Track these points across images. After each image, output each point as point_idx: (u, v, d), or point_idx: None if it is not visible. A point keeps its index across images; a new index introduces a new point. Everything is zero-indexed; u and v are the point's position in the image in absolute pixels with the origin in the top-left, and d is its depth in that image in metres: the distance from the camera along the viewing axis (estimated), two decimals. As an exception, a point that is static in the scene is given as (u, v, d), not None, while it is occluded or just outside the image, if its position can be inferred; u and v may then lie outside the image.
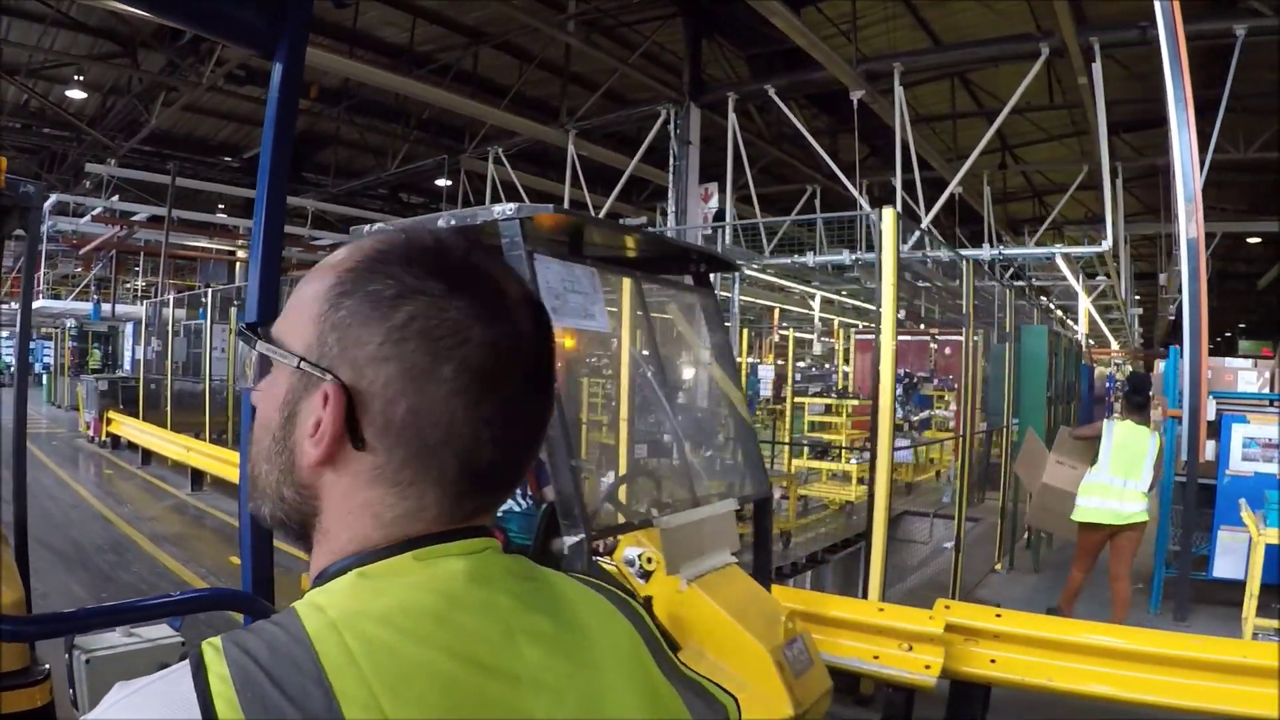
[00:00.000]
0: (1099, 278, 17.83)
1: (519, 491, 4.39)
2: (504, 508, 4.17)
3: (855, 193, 15.92)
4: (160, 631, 2.55)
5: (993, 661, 5.27)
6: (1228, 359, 10.79)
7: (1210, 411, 8.50)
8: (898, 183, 15.09)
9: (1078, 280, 15.71)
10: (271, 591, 2.43)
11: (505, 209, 3.66)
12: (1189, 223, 8.43)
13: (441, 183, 22.02)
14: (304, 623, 0.74)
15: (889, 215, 6.64)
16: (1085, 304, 16.18)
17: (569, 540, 3.49)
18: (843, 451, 12.85)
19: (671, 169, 16.58)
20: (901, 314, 24.62)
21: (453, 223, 3.86)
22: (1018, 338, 10.88)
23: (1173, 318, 25.67)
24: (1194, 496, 8.45)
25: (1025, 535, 10.75)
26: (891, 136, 19.70)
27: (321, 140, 21.85)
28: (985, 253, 14.12)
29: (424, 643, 0.75)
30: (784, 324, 22.17)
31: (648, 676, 0.92)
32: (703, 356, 5.65)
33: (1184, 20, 12.89)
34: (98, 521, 11.70)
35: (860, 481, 12.67)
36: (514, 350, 0.83)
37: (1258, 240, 22.86)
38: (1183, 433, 8.29)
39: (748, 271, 15.57)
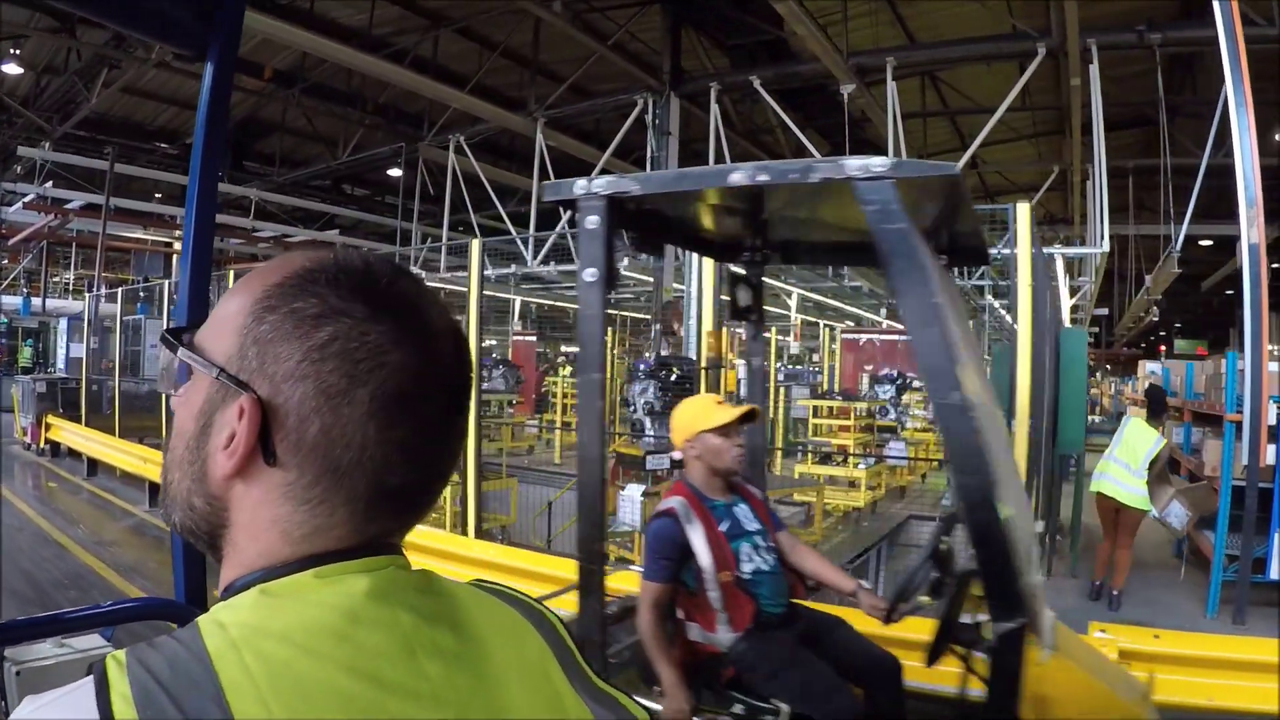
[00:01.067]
0: (1081, 278, 17.43)
1: (763, 545, 3.61)
2: (753, 567, 3.51)
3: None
4: (92, 642, 2.52)
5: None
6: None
7: (1271, 415, 8.29)
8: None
9: (1065, 281, 15.25)
10: (204, 600, 2.35)
11: (873, 163, 2.56)
12: (1250, 228, 8.30)
13: (395, 172, 20.75)
14: (205, 640, 0.73)
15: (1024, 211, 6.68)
16: (1068, 304, 15.73)
17: (1002, 626, 2.56)
18: (849, 457, 12.12)
19: (650, 160, 15.80)
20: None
21: (764, 178, 2.75)
22: (1055, 339, 10.26)
23: (1156, 319, 25.78)
24: (1255, 500, 8.24)
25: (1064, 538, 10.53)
26: (859, 133, 19.50)
27: (265, 127, 20.51)
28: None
29: (323, 660, 0.74)
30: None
31: (554, 689, 0.92)
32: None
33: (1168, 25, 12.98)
34: (49, 548, 10.23)
35: (869, 488, 12.00)
36: (432, 377, 0.84)
37: (1209, 243, 22.88)
38: (1243, 436, 8.24)
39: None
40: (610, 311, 24.04)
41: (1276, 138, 15.76)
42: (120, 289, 18.14)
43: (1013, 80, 17.66)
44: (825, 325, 19.39)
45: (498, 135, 18.95)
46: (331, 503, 0.82)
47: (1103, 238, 13.33)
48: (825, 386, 16.25)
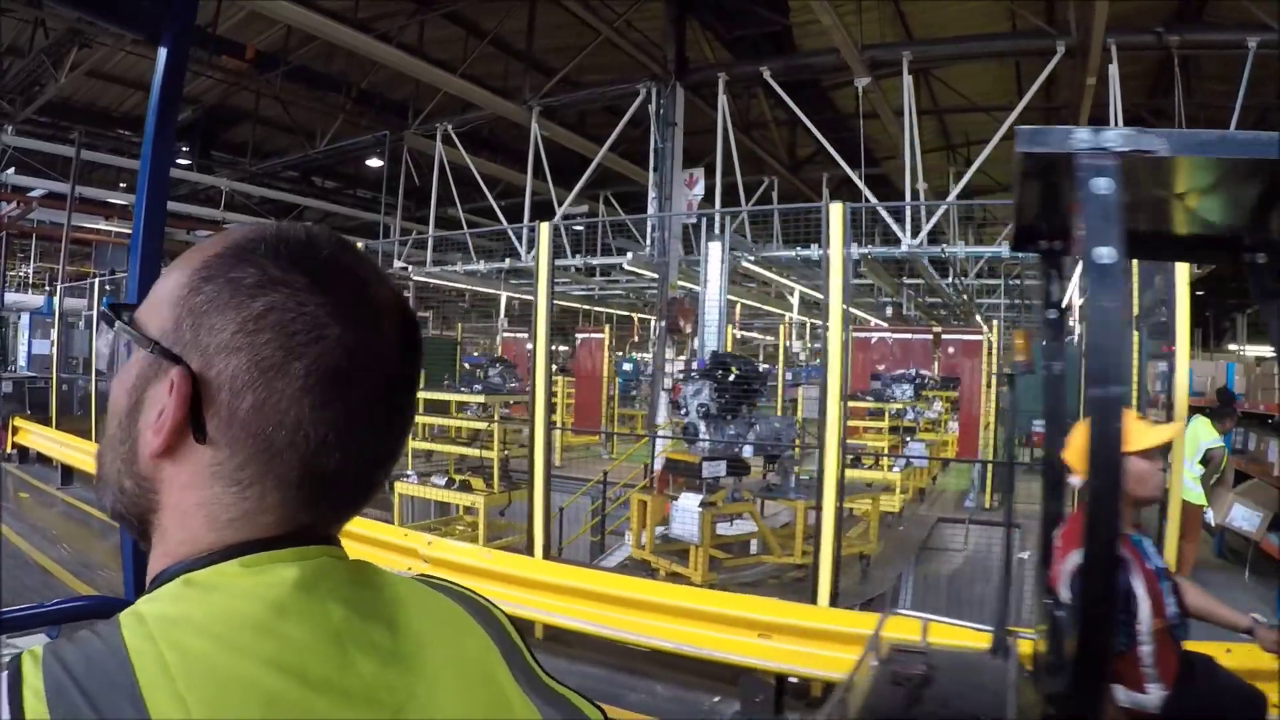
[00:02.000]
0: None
1: (1169, 583, 3.05)
2: (1173, 610, 3.04)
3: (861, 184, 14.72)
4: (37, 641, 1.82)
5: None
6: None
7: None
8: (907, 176, 13.95)
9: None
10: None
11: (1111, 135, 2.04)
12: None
13: (374, 163, 19.77)
14: (124, 634, 0.71)
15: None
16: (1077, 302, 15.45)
17: None
18: (879, 459, 11.60)
19: (653, 152, 15.16)
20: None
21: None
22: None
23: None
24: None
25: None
26: (847, 131, 19.12)
27: (237, 115, 19.35)
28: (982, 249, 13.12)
29: (245, 655, 0.71)
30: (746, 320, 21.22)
31: (498, 688, 0.88)
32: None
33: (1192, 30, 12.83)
34: (32, 573, 9.17)
35: (903, 491, 11.50)
36: (372, 356, 0.81)
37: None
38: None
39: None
40: (599, 308, 23.38)
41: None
42: (96, 279, 17.03)
43: (1005, 79, 17.59)
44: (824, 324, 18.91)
45: (483, 128, 18.13)
46: (262, 486, 0.78)
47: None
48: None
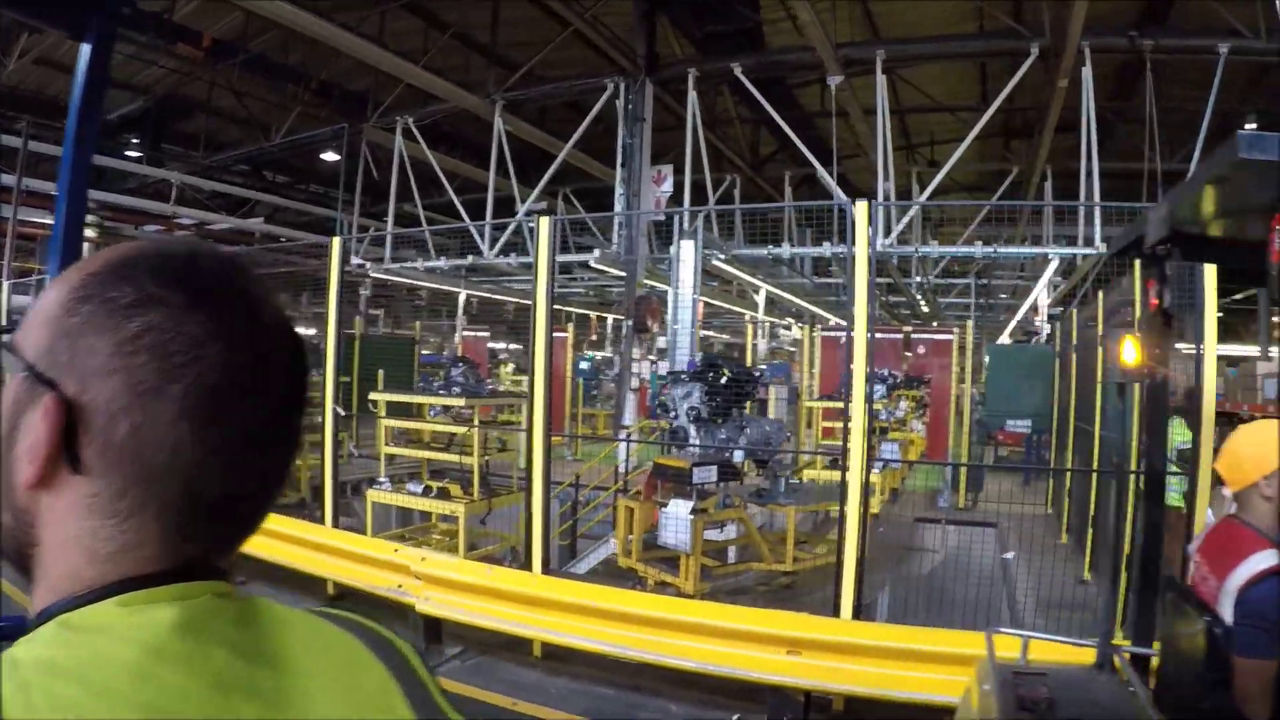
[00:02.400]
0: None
1: None
2: None
3: (833, 183, 14.56)
4: None
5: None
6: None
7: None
8: (880, 175, 13.82)
9: (1048, 281, 15.02)
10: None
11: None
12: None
13: (331, 156, 19.18)
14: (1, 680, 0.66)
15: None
16: (1044, 303, 15.52)
17: None
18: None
19: (621, 148, 14.88)
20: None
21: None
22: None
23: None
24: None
25: None
26: (809, 129, 19.01)
27: (189, 105, 18.63)
28: (977, 250, 13.02)
29: (118, 703, 0.66)
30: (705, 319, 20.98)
31: None
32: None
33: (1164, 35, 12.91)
34: None
35: (881, 492, 11.38)
36: (256, 376, 0.78)
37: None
38: None
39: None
40: (557, 306, 22.98)
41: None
42: (45, 276, 16.26)
43: (969, 81, 17.60)
44: (801, 325, 18.82)
45: (443, 123, 17.64)
46: (142, 516, 0.74)
47: (1097, 238, 13.14)
48: (806, 386, 15.70)
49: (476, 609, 6.65)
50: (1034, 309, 15.87)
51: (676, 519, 8.23)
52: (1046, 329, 15.28)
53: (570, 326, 17.98)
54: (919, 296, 22.46)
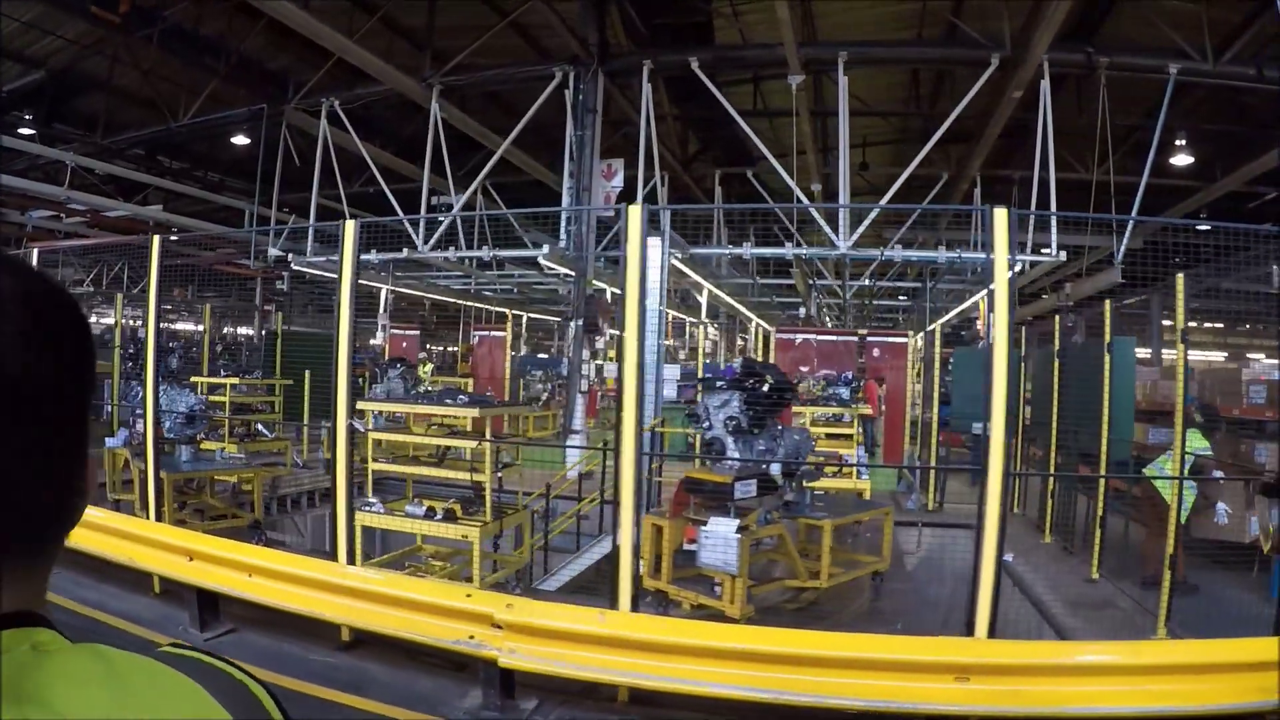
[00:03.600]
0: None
1: None
2: None
3: (791, 179, 14.07)
4: None
5: None
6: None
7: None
8: (844, 176, 13.43)
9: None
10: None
11: None
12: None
13: (241, 140, 17.64)
14: None
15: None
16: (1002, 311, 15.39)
17: None
18: (842, 468, 10.94)
19: (571, 141, 14.07)
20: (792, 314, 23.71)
21: None
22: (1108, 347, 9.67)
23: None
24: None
25: None
26: (729, 128, 18.60)
27: (89, 83, 16.79)
28: (935, 254, 12.82)
29: None
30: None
31: None
32: None
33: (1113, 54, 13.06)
34: None
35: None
36: None
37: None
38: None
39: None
40: (481, 305, 21.87)
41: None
42: None
43: (898, 86, 17.49)
44: (757, 323, 18.32)
45: (363, 111, 16.44)
46: None
47: (1053, 246, 13.18)
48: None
49: (579, 659, 5.71)
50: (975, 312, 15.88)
51: (721, 538, 7.53)
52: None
53: (509, 325, 16.81)
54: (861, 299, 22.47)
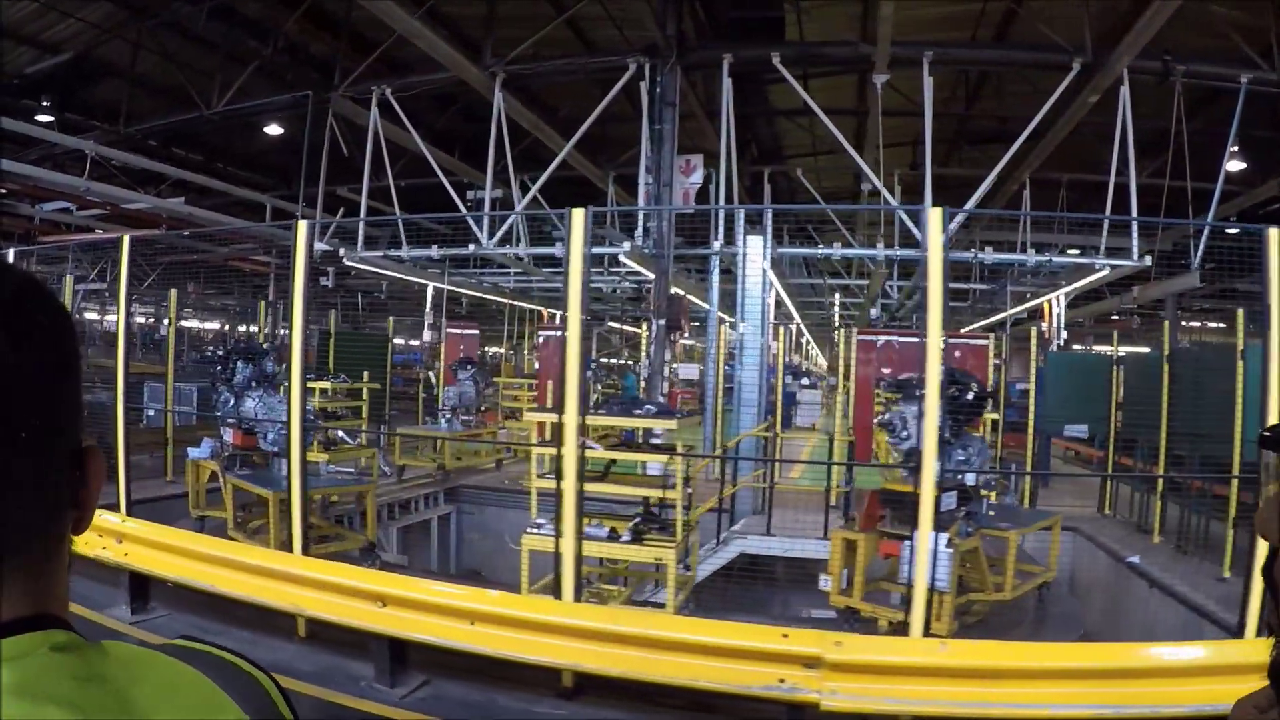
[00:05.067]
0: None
1: None
2: None
3: (878, 178, 13.64)
4: None
5: None
6: None
7: None
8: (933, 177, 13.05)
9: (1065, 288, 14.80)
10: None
11: None
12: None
13: (274, 130, 16.52)
14: None
15: None
16: (1059, 310, 15.26)
17: None
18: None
19: (648, 136, 13.40)
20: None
21: None
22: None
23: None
24: None
25: None
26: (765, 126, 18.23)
27: (106, 69, 15.40)
28: (1025, 258, 12.57)
29: None
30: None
31: None
32: None
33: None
34: None
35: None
36: None
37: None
38: None
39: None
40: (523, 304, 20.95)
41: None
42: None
43: (941, 87, 17.21)
44: (839, 327, 17.85)
45: (426, 98, 15.53)
46: None
47: (1133, 250, 13.00)
48: (842, 392, 14.80)
49: (909, 693, 5.15)
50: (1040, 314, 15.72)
51: (930, 553, 7.14)
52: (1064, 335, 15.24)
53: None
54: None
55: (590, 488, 8.79)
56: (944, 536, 7.10)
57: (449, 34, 13.17)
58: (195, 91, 14.94)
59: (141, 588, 7.78)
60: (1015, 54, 13.58)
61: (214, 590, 7.00)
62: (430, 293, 16.35)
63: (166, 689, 0.71)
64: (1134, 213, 12.83)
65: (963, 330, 18.31)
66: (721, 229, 13.19)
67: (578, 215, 6.40)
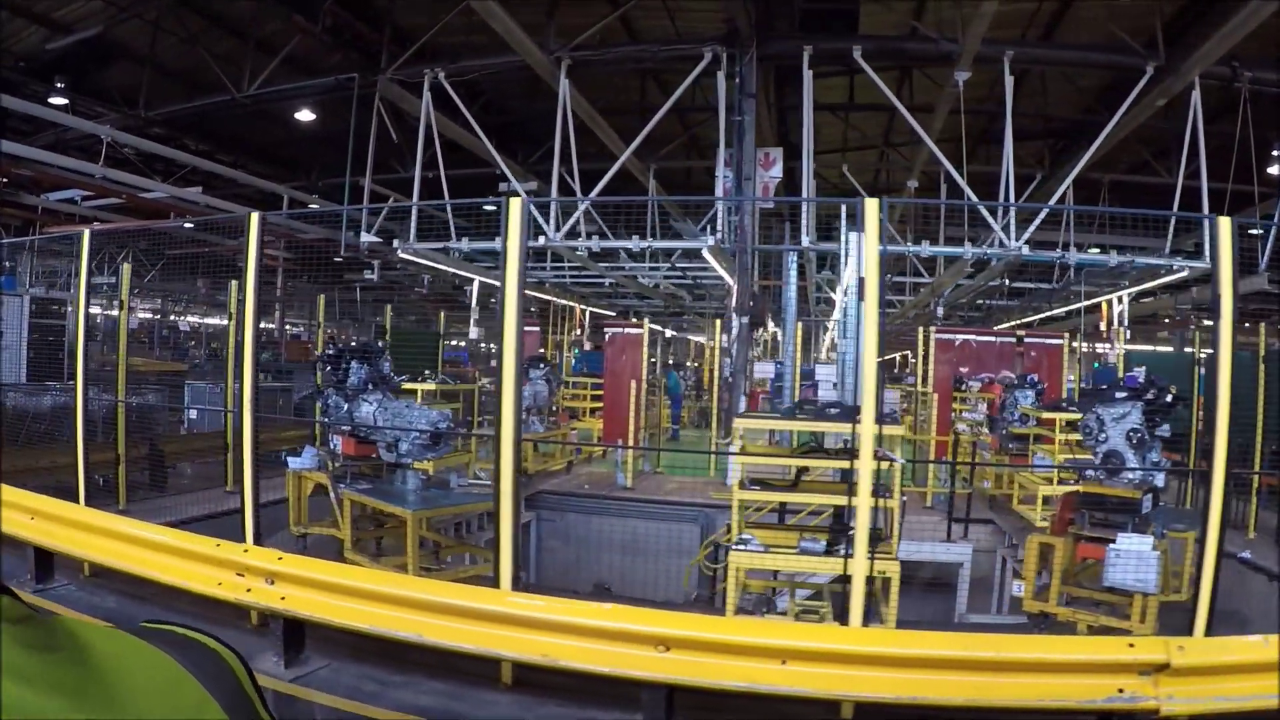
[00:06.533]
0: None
1: None
2: None
3: (961, 177, 13.33)
4: None
5: None
6: None
7: None
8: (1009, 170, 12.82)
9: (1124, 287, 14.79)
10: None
11: None
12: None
13: (305, 116, 15.45)
14: None
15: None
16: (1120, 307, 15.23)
17: None
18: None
19: (724, 127, 12.88)
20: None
21: None
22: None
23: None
24: None
25: None
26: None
27: (122, 51, 14.12)
28: (1106, 258, 12.52)
29: None
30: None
31: None
32: None
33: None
34: None
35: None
36: None
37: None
38: None
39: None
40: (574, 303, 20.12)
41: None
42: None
43: (979, 85, 17.08)
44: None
45: (480, 82, 14.68)
46: None
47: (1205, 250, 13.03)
48: (920, 390, 14.47)
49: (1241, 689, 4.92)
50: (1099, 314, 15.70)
51: (1135, 556, 7.05)
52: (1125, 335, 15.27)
53: (646, 321, 14.83)
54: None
55: (779, 497, 8.39)
56: (1148, 539, 7.12)
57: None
58: (224, 75, 13.85)
59: (296, 635, 6.51)
60: (1092, 55, 13.37)
61: (393, 635, 5.88)
62: (476, 287, 15.54)
63: (125, 661, 0.69)
64: (1205, 211, 12.84)
65: (1036, 329, 18.28)
66: (811, 224, 12.75)
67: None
